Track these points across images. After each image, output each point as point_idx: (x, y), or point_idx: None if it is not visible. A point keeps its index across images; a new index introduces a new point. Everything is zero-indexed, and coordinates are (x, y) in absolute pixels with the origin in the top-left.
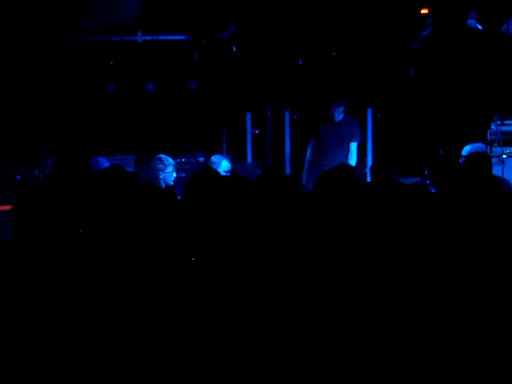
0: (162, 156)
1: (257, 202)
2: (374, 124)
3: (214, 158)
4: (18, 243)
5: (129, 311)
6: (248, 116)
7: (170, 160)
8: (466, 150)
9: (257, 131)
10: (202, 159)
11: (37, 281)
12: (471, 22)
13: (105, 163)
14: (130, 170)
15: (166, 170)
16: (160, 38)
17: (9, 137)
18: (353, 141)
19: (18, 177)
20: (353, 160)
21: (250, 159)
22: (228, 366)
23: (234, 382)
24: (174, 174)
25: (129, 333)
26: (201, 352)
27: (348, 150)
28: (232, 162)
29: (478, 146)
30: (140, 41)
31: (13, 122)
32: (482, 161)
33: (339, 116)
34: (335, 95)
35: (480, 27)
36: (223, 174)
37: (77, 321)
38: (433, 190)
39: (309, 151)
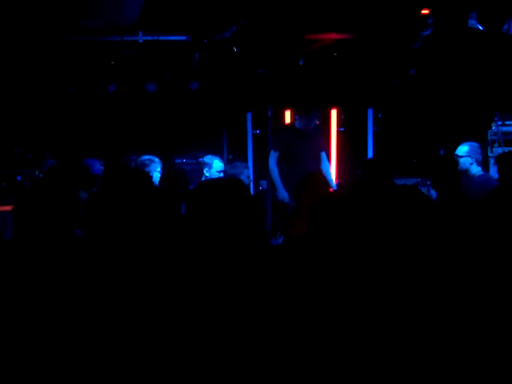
0: (151, 157)
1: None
2: (374, 124)
3: (207, 159)
4: (18, 242)
5: (128, 310)
6: (249, 116)
7: (157, 159)
8: (464, 150)
9: (257, 131)
10: (202, 159)
11: (37, 279)
12: (472, 22)
13: (96, 165)
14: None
15: (157, 169)
16: (161, 38)
17: (9, 137)
18: (322, 150)
19: (19, 177)
20: (329, 170)
21: (250, 160)
22: (226, 366)
23: (233, 381)
24: (159, 174)
25: (128, 331)
26: (199, 352)
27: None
28: (231, 162)
29: (476, 145)
30: (141, 41)
31: (13, 122)
32: None
33: (313, 126)
34: (309, 104)
35: (481, 28)
36: (216, 174)
37: (77, 319)
38: (432, 192)
39: (273, 165)
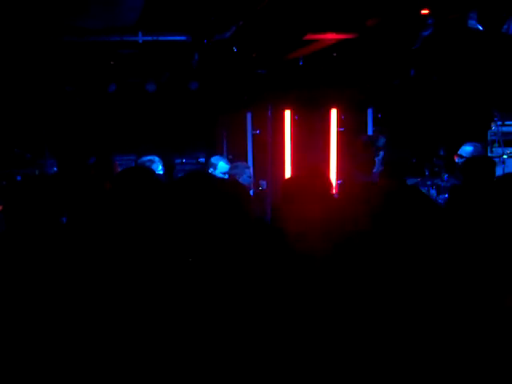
0: (151, 157)
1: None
2: (374, 124)
3: (213, 159)
4: (9, 235)
5: (125, 309)
6: (248, 116)
7: (157, 159)
8: (468, 150)
9: (257, 132)
10: (202, 159)
11: (30, 275)
12: (472, 22)
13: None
14: None
15: (159, 168)
16: (160, 38)
17: (9, 137)
18: None
19: (19, 177)
20: None
21: (250, 160)
22: (226, 366)
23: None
24: (162, 173)
25: (125, 329)
26: (200, 351)
27: None
28: (232, 162)
29: (480, 146)
30: (140, 41)
31: (13, 122)
32: None
33: None
34: None
35: (480, 28)
36: (220, 175)
37: (74, 317)
38: (432, 191)
39: None
